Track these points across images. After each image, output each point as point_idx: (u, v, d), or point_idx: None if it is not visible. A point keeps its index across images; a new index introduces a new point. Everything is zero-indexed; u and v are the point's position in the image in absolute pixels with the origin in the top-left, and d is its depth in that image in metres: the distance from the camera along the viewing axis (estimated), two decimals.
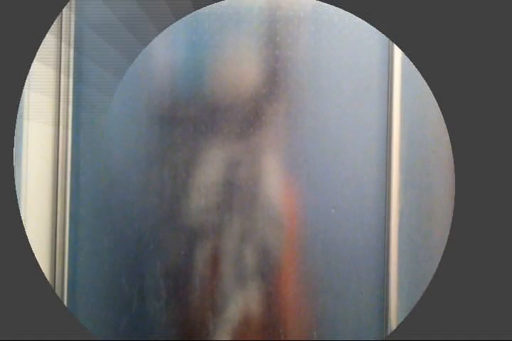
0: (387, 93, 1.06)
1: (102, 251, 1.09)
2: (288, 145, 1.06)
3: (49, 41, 1.08)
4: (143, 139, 1.08)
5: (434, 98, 1.03)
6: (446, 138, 1.07)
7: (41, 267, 1.07)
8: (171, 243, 1.07)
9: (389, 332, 1.05)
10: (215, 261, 1.06)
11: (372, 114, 1.07)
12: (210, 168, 1.06)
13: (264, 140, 1.05)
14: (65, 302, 1.08)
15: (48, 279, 1.09)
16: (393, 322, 1.06)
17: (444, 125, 1.07)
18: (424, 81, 1.04)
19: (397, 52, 1.05)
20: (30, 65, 1.00)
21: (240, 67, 1.05)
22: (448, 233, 1.12)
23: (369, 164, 1.07)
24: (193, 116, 1.06)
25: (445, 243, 1.09)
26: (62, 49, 1.09)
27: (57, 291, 1.09)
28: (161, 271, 1.07)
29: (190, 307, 1.06)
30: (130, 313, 1.07)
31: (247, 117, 1.05)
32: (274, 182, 1.06)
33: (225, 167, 1.06)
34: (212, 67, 1.06)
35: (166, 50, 1.08)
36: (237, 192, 1.06)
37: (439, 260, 1.04)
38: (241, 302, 1.06)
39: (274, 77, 1.05)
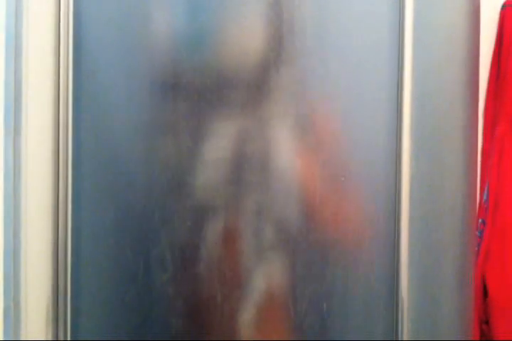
0: (398, 54, 1.04)
1: (105, 222, 1.07)
2: (297, 111, 1.04)
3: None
4: (145, 107, 1.05)
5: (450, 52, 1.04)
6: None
7: (44, 243, 1.06)
8: (177, 215, 1.05)
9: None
10: (225, 233, 1.04)
11: (382, 76, 1.05)
12: (218, 139, 1.04)
13: (272, 107, 1.03)
14: (69, 275, 1.06)
15: (50, 253, 1.07)
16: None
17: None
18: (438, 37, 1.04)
19: (409, 8, 1.03)
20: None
21: (245, 31, 1.03)
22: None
23: (379, 129, 1.05)
24: (197, 83, 1.03)
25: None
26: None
27: (61, 265, 1.06)
28: (167, 242, 1.05)
29: (198, 279, 1.05)
30: (136, 285, 1.05)
31: (254, 84, 1.03)
32: (284, 151, 1.04)
33: (233, 137, 1.04)
34: (215, 31, 1.04)
35: (166, 13, 1.05)
36: (248, 164, 1.04)
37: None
38: (255, 275, 1.04)
39: (281, 40, 1.02)
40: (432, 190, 1.09)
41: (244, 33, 1.03)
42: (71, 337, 1.06)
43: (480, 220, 1.54)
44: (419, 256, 1.07)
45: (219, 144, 1.03)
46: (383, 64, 1.05)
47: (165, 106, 1.05)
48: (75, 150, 1.06)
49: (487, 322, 1.50)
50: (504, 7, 1.59)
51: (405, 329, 1.05)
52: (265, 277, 1.04)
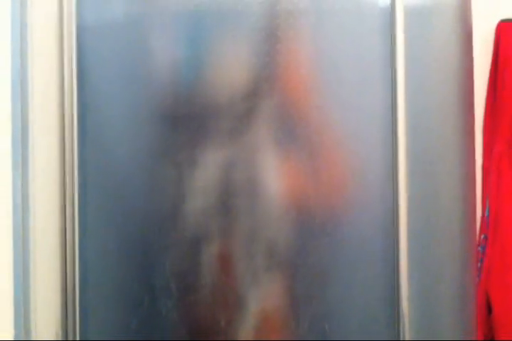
0: (391, 83, 1.06)
1: (110, 252, 1.09)
2: (291, 139, 1.06)
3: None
4: (145, 138, 1.08)
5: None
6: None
7: (52, 272, 1.08)
8: (178, 243, 1.07)
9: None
10: (223, 259, 1.06)
11: (375, 96, 1.07)
12: (214, 167, 1.06)
13: (266, 135, 1.05)
14: (77, 303, 1.08)
15: (59, 284, 1.09)
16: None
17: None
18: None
19: (400, 43, 1.06)
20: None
21: (242, 63, 1.05)
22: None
23: (374, 150, 1.07)
24: (195, 114, 1.06)
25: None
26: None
27: (69, 292, 1.09)
28: (170, 270, 1.07)
29: (201, 305, 1.07)
30: (141, 312, 1.07)
31: (250, 113, 1.05)
32: (277, 177, 1.06)
33: (230, 165, 1.06)
34: (212, 64, 1.06)
35: (165, 47, 1.08)
36: (244, 191, 1.06)
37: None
38: (254, 299, 1.06)
39: (276, 71, 1.05)
40: (429, 208, 1.10)
41: (241, 65, 1.05)
42: None
43: (482, 236, 1.55)
44: (419, 274, 1.08)
45: (216, 172, 1.05)
46: (376, 84, 1.07)
47: (164, 137, 1.07)
48: (80, 181, 1.09)
49: (492, 339, 1.50)
50: (499, 25, 1.61)
51: None
52: (264, 298, 1.06)
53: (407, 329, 1.06)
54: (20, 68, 1.07)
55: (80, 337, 1.08)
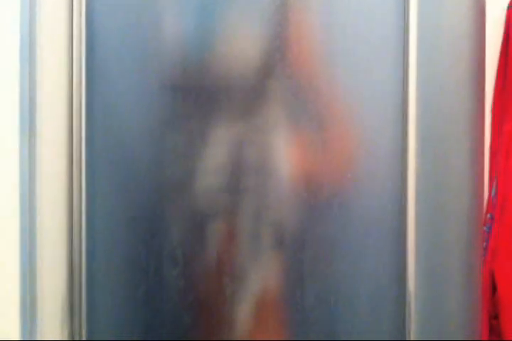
0: (403, 54, 1.06)
1: (118, 221, 1.10)
2: (302, 111, 1.06)
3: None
4: (154, 110, 1.08)
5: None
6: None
7: (59, 241, 1.08)
8: (186, 215, 1.07)
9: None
10: (232, 231, 1.06)
11: (387, 75, 1.07)
12: (223, 138, 1.06)
13: (277, 108, 1.05)
14: (84, 270, 1.08)
15: (65, 252, 1.10)
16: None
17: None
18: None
19: (413, 10, 1.05)
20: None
21: (252, 33, 1.05)
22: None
23: (384, 127, 1.07)
24: (205, 86, 1.06)
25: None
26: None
27: (75, 260, 1.09)
28: (177, 239, 1.07)
29: (207, 274, 1.07)
30: (147, 280, 1.08)
31: (260, 84, 1.05)
32: (288, 150, 1.06)
33: (238, 136, 1.06)
34: (222, 34, 1.06)
35: (174, 21, 1.07)
36: (251, 163, 1.06)
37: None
38: (259, 271, 1.06)
39: (287, 42, 1.05)
40: (437, 187, 1.10)
41: (250, 40, 1.05)
42: (86, 331, 1.09)
43: (489, 215, 1.55)
44: (426, 253, 1.08)
45: (226, 144, 1.05)
46: (388, 63, 1.07)
47: (173, 109, 1.07)
48: (88, 150, 1.09)
49: (496, 318, 1.51)
50: (509, 7, 1.60)
51: (412, 325, 1.07)
52: (272, 270, 1.07)
53: (413, 306, 1.06)
54: (29, 35, 1.06)
55: (87, 313, 1.09)
